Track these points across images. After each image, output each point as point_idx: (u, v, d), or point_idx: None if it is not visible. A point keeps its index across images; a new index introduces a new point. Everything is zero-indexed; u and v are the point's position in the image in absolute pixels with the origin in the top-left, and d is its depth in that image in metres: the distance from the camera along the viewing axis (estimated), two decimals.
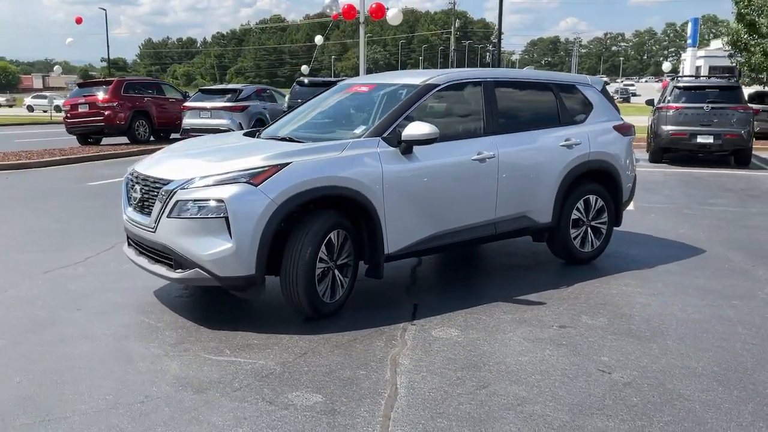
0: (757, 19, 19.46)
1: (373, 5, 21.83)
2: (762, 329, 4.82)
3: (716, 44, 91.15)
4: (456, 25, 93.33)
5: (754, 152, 15.89)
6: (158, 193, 4.76)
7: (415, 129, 5.04)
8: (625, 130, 6.75)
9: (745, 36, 20.12)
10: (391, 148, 5.11)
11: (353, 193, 4.87)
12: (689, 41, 74.85)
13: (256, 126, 17.84)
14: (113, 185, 11.68)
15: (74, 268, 6.29)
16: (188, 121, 17.67)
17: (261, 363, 4.18)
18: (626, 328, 4.83)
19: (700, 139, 14.58)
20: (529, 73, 7.20)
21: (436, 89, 5.54)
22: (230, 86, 19.62)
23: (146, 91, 19.66)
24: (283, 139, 5.48)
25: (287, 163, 4.69)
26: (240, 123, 17.41)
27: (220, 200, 4.51)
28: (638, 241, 7.44)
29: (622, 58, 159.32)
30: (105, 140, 19.40)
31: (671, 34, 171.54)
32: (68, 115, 18.73)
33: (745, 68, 20.50)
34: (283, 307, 5.16)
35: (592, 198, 6.43)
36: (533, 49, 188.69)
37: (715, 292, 5.66)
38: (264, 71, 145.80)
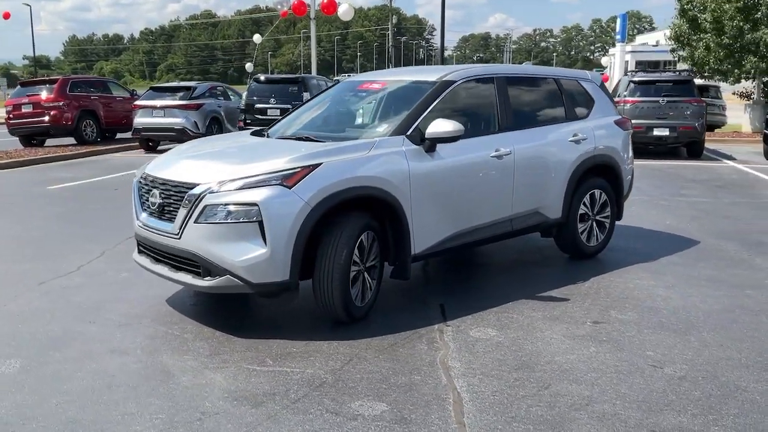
0: (699, 15, 20.12)
1: (325, 1, 21.62)
2: None
3: (641, 39, 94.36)
4: (396, 21, 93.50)
5: None
6: (182, 197, 4.53)
7: (440, 126, 4.96)
8: (624, 124, 6.84)
9: (688, 31, 20.77)
10: (415, 146, 5.01)
11: (383, 193, 4.76)
12: (618, 37, 76.93)
13: (212, 125, 17.43)
14: (75, 189, 11.20)
15: (69, 278, 5.95)
16: (140, 120, 17.07)
17: (309, 372, 4.03)
18: (657, 321, 4.87)
19: (656, 132, 14.97)
20: (535, 68, 7.20)
21: (453, 86, 5.46)
22: (182, 84, 19.08)
23: (92, 90, 18.90)
24: (300, 139, 5.30)
25: (319, 164, 4.53)
26: (195, 122, 16.95)
27: (253, 204, 4.32)
28: (631, 234, 7.54)
29: (555, 54, 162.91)
30: (49, 141, 18.57)
31: (597, 30, 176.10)
32: (11, 115, 17.83)
33: (688, 62, 21.18)
34: (305, 312, 5.02)
35: (596, 192, 6.48)
36: (465, 45, 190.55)
37: (726, 283, 5.78)
38: (196, 68, 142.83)
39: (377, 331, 4.66)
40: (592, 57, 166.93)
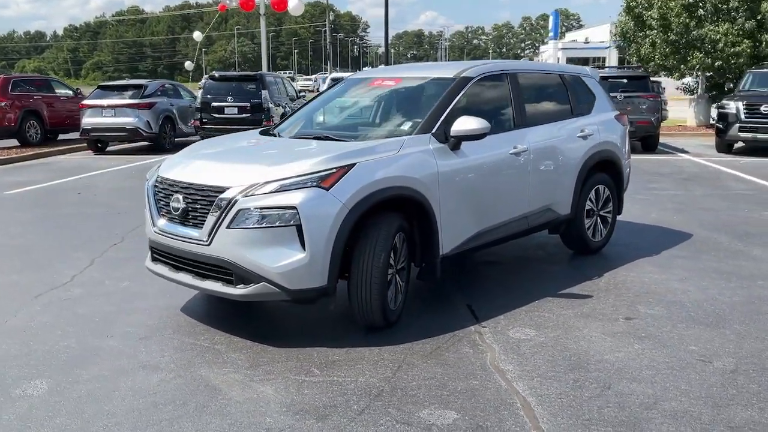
0: (644, 13, 20.66)
1: None
2: None
3: (570, 37, 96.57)
4: (330, 18, 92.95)
5: None
6: (211, 202, 4.29)
7: (466, 124, 4.86)
8: (622, 119, 6.90)
9: (634, 28, 21.33)
10: (441, 145, 4.90)
11: (415, 192, 4.63)
12: (551, 34, 78.62)
13: (165, 125, 16.88)
14: (35, 194, 10.66)
15: (67, 289, 5.60)
16: (89, 120, 16.38)
17: (362, 380, 3.87)
18: (687, 315, 4.90)
19: None
20: (540, 64, 7.18)
21: (471, 82, 5.37)
22: (132, 82, 18.39)
23: (35, 89, 18.04)
24: (318, 138, 5.12)
25: (353, 164, 4.37)
26: (147, 121, 16.37)
27: (290, 207, 4.13)
28: (624, 229, 7.61)
29: (491, 51, 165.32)
30: None
31: (527, 28, 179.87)
32: None
33: (634, 59, 21.74)
34: (333, 317, 4.85)
35: (601, 188, 6.51)
36: (399, 42, 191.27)
37: (735, 274, 5.88)
38: (124, 65, 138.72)
39: (413, 334, 4.54)
40: (522, 54, 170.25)
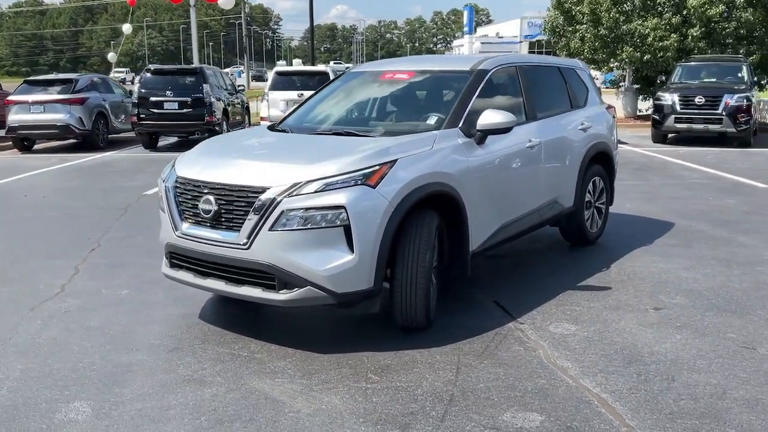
0: (573, 8, 21.21)
1: None
2: None
3: (481, 31, 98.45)
4: (246, 11, 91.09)
5: None
6: (249, 203, 4.04)
7: (492, 118, 4.79)
8: (611, 111, 7.00)
9: (563, 23, 21.86)
10: (468, 139, 4.81)
11: (450, 188, 4.52)
12: (466, 28, 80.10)
13: (98, 121, 16.07)
14: None
15: (62, 300, 5.18)
16: (16, 117, 15.39)
17: (427, 385, 3.73)
18: (709, 303, 4.99)
19: None
20: (540, 57, 7.17)
21: (488, 75, 5.29)
22: (61, 76, 17.41)
23: None
24: (338, 134, 4.92)
25: (394, 161, 4.22)
26: (80, 117, 15.53)
27: (339, 207, 3.94)
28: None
29: (401, 45, 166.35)
30: None
31: (438, 22, 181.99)
32: None
33: (564, 53, 22.28)
34: (357, 318, 4.68)
35: (597, 180, 6.58)
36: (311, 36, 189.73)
37: (732, 261, 6.06)
38: (23, 59, 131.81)
39: (455, 334, 4.43)
40: (435, 49, 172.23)
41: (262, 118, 15.46)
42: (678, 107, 15.25)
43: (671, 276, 5.65)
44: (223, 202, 4.16)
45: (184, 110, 15.35)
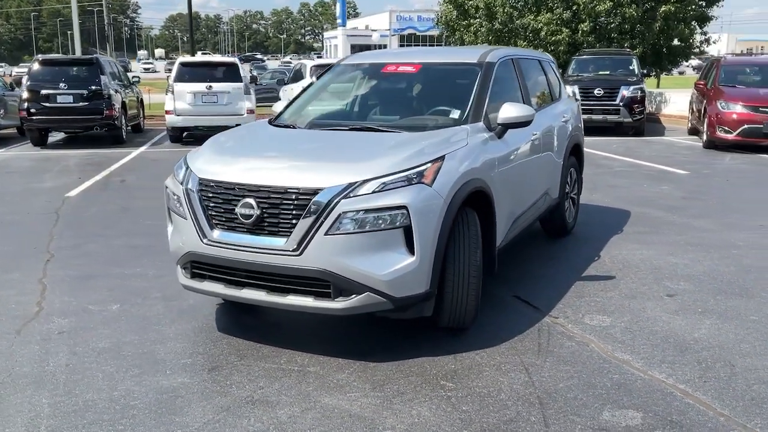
0: (466, 2, 21.67)
1: None
2: None
3: (350, 24, 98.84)
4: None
5: None
6: (300, 205, 3.73)
7: (514, 111, 4.72)
8: (577, 103, 7.14)
9: (457, 17, 22.29)
10: (491, 133, 4.72)
11: (484, 184, 4.40)
12: (339, 21, 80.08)
13: None
14: None
15: (48, 319, 4.59)
16: None
17: (506, 389, 3.60)
18: (713, 288, 5.19)
19: None
20: (526, 51, 7.14)
21: (495, 68, 5.21)
22: None
23: None
24: (355, 129, 4.66)
25: (442, 157, 4.05)
26: None
27: (400, 207, 3.71)
28: None
29: (268, 37, 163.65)
30: None
31: (306, 14, 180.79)
32: None
33: (458, 46, 22.73)
34: (378, 321, 4.48)
35: (573, 171, 6.69)
36: (173, 25, 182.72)
37: (705, 245, 6.35)
38: None
39: (495, 333, 4.33)
40: (303, 40, 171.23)
41: (168, 112, 14.65)
42: (578, 99, 15.92)
43: (661, 262, 5.83)
44: (266, 205, 3.80)
45: (81, 104, 14.21)
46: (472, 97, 4.85)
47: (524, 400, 3.48)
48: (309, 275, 3.75)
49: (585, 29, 19.66)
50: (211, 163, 4.17)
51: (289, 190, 3.77)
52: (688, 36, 21.15)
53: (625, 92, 15.80)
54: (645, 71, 19.25)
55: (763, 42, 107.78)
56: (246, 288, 3.96)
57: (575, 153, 6.72)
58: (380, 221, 3.70)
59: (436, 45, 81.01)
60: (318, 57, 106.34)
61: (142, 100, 18.05)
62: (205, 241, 3.97)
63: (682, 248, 6.26)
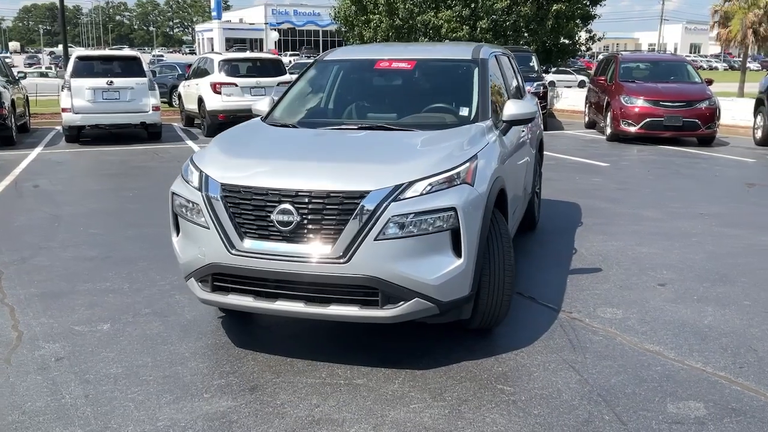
0: None
1: None
2: None
3: (225, 17, 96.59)
4: None
5: None
6: (346, 210, 3.53)
7: (518, 108, 4.73)
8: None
9: (355, 13, 22.19)
10: (497, 130, 4.69)
11: (504, 183, 4.37)
12: (214, 14, 78.11)
13: None
14: None
15: (35, 345, 4.10)
16: None
17: (565, 389, 3.58)
18: (696, 276, 5.42)
19: None
20: (497, 46, 7.09)
21: (489, 64, 5.19)
22: None
23: None
24: (365, 128, 4.49)
25: (475, 156, 3.97)
26: None
27: (449, 208, 3.60)
28: None
29: (154, 29, 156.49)
30: None
31: (174, 6, 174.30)
32: None
33: (357, 42, 22.65)
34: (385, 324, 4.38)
35: (538, 166, 6.80)
36: (27, 16, 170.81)
37: (664, 234, 6.65)
38: None
39: (519, 333, 4.32)
40: (172, 33, 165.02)
41: (64, 110, 13.63)
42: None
43: (636, 253, 6.04)
44: (307, 211, 3.57)
45: None
46: (476, 94, 4.80)
47: (588, 399, 3.47)
48: (357, 283, 3.56)
49: (484, 26, 20.15)
50: (231, 168, 3.86)
51: (332, 194, 3.55)
52: (575, 33, 22.17)
53: (529, 88, 16.21)
54: (544, 68, 19.97)
55: (619, 40, 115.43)
56: (280, 300, 3.71)
57: (539, 148, 6.83)
58: (430, 224, 3.57)
59: (331, 40, 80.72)
60: (190, 51, 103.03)
61: (28, 97, 16.70)
62: (233, 251, 3.67)
63: (646, 238, 6.51)
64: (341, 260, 3.52)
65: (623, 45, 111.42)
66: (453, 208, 3.59)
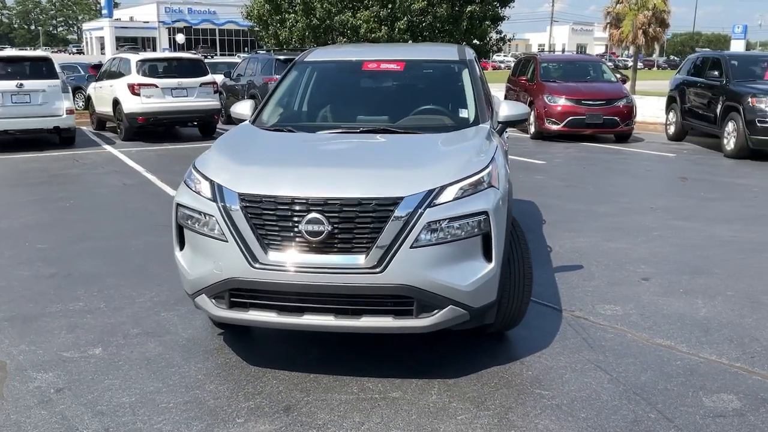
0: None
1: None
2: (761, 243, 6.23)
3: (116, 15, 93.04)
4: None
5: None
6: (381, 218, 3.39)
7: (512, 109, 4.73)
8: None
9: (270, 12, 21.74)
10: (495, 131, 4.68)
11: (511, 185, 4.35)
12: (105, 11, 74.86)
13: None
14: None
15: (26, 376, 3.72)
16: None
17: (601, 391, 3.59)
18: (673, 269, 5.60)
19: None
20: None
21: (475, 65, 5.17)
22: None
23: None
24: (366, 131, 4.35)
25: (493, 158, 3.93)
26: None
27: (481, 213, 3.53)
28: None
29: (37, 27, 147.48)
30: None
31: (57, 4, 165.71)
32: None
33: (272, 42, 22.22)
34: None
35: None
36: None
37: (626, 229, 6.84)
38: None
39: (530, 335, 4.31)
40: (56, 32, 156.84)
41: None
42: None
43: (607, 248, 6.18)
44: (338, 220, 3.41)
45: None
46: (472, 96, 4.76)
47: (627, 398, 3.49)
48: (393, 293, 3.43)
49: (401, 27, 20.23)
50: (246, 176, 3.63)
51: (363, 202, 3.41)
52: (487, 34, 22.65)
53: None
54: None
55: (511, 41, 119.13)
56: (307, 314, 3.52)
57: None
58: (463, 229, 3.49)
59: (228, 39, 78.73)
60: (77, 51, 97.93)
61: None
62: (256, 265, 3.45)
63: (610, 233, 6.68)
64: (376, 269, 3.38)
65: (515, 46, 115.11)
66: (485, 212, 3.53)
